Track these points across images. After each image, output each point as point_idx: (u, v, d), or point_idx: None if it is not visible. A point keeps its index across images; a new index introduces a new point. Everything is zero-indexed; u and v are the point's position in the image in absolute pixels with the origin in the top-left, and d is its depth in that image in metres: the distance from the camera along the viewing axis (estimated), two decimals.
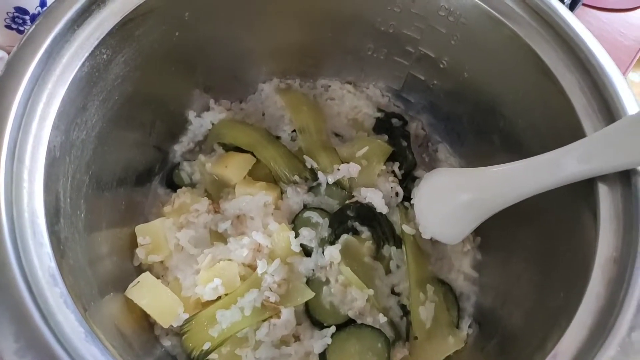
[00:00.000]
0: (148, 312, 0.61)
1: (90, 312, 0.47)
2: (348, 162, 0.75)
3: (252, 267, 0.66)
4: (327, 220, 0.70)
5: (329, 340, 0.63)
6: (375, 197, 0.72)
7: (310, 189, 0.75)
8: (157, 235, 0.68)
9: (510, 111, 0.65)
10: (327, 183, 0.74)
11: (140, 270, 0.67)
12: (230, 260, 0.66)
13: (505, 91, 0.65)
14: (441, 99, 0.78)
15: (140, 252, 0.67)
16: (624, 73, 1.00)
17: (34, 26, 0.50)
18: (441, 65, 0.72)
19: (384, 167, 0.77)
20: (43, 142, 0.47)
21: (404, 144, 0.82)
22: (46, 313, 0.41)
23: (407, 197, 0.75)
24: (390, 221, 0.73)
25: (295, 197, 0.73)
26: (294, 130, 0.80)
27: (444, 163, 0.82)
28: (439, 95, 0.77)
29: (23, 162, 0.46)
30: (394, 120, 0.84)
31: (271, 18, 0.71)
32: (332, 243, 0.69)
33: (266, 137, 0.78)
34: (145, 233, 0.67)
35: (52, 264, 0.43)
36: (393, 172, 0.79)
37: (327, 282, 0.67)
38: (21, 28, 0.80)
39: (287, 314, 0.63)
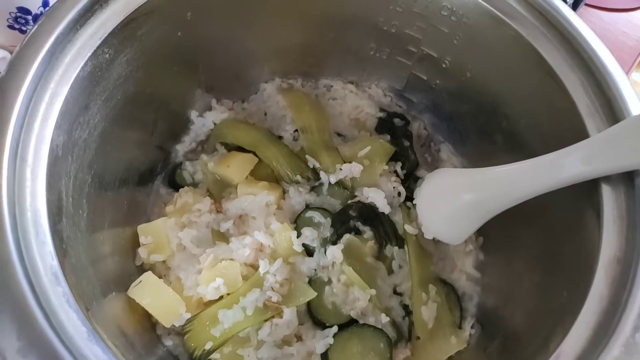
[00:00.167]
0: (150, 311, 0.61)
1: (92, 312, 0.47)
2: (350, 162, 0.75)
3: (254, 267, 0.66)
4: (329, 220, 0.70)
5: (331, 340, 0.63)
6: (377, 197, 0.71)
7: (313, 189, 0.75)
8: (159, 234, 0.68)
9: (513, 111, 0.65)
10: (330, 183, 0.74)
11: (142, 269, 0.67)
12: (232, 259, 0.66)
13: (508, 91, 0.65)
14: (443, 99, 0.78)
15: (142, 252, 0.67)
16: (627, 73, 1.00)
17: (36, 26, 0.50)
18: (444, 65, 0.72)
19: (386, 167, 0.77)
20: (46, 142, 0.47)
21: (407, 143, 0.82)
22: (49, 312, 0.41)
23: (410, 197, 0.74)
24: (393, 221, 0.73)
25: (298, 196, 0.73)
26: (296, 130, 0.80)
27: (446, 163, 0.82)
28: (441, 95, 0.77)
29: (26, 161, 0.46)
30: (396, 120, 0.84)
31: (273, 18, 0.71)
32: (334, 243, 0.68)
33: (268, 136, 0.78)
34: (148, 232, 0.67)
35: (55, 263, 0.44)
36: (395, 172, 0.79)
37: (329, 282, 0.67)
38: (24, 28, 0.80)
39: (289, 313, 0.63)
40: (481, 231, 0.67)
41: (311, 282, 0.67)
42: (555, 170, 0.51)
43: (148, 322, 0.65)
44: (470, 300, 0.72)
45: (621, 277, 0.45)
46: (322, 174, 0.74)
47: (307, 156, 0.76)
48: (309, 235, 0.68)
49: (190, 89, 0.77)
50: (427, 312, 0.67)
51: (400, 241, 0.72)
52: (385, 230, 0.71)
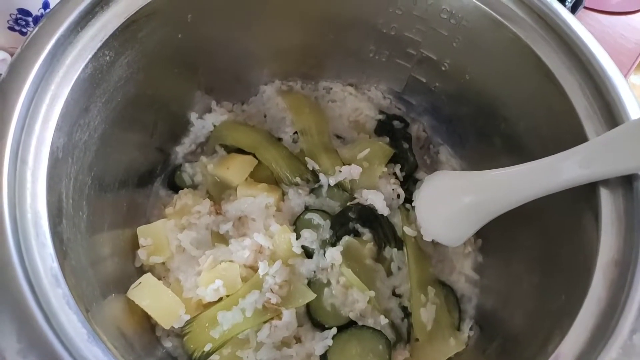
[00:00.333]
0: (149, 313, 0.61)
1: (92, 313, 0.47)
2: (349, 164, 0.75)
3: (254, 269, 0.66)
4: (328, 222, 0.70)
5: (330, 342, 0.63)
6: (376, 199, 0.72)
7: (312, 191, 0.75)
8: (158, 236, 0.68)
9: (511, 114, 0.65)
10: (329, 185, 0.74)
11: (141, 271, 0.67)
12: (231, 261, 0.66)
13: (506, 94, 0.65)
14: (443, 101, 0.78)
15: (141, 254, 0.67)
16: (626, 76, 1.01)
17: (37, 28, 0.51)
18: (443, 68, 0.72)
19: (385, 169, 0.77)
20: (46, 144, 0.47)
21: (406, 146, 0.82)
22: (49, 313, 0.41)
23: (409, 199, 0.75)
24: (392, 223, 0.73)
25: (297, 198, 0.73)
26: (296, 132, 0.80)
27: (445, 165, 0.82)
28: (440, 98, 0.77)
29: (26, 163, 0.46)
30: (396, 123, 0.84)
31: (273, 20, 0.71)
32: (334, 245, 0.69)
33: (268, 138, 0.78)
34: (147, 234, 0.67)
35: (55, 264, 0.44)
36: (394, 174, 0.79)
37: (329, 283, 0.67)
38: (24, 30, 0.80)
39: (288, 315, 0.63)
40: (480, 233, 0.67)
41: (310, 283, 0.67)
42: (554, 174, 0.51)
43: (147, 324, 0.65)
44: (469, 302, 0.72)
45: (619, 280, 0.45)
46: (322, 176, 0.74)
47: (306, 158, 0.76)
48: (308, 237, 0.69)
49: (190, 90, 0.77)
50: (426, 313, 0.67)
51: (399, 243, 0.72)
52: (384, 232, 0.71)
